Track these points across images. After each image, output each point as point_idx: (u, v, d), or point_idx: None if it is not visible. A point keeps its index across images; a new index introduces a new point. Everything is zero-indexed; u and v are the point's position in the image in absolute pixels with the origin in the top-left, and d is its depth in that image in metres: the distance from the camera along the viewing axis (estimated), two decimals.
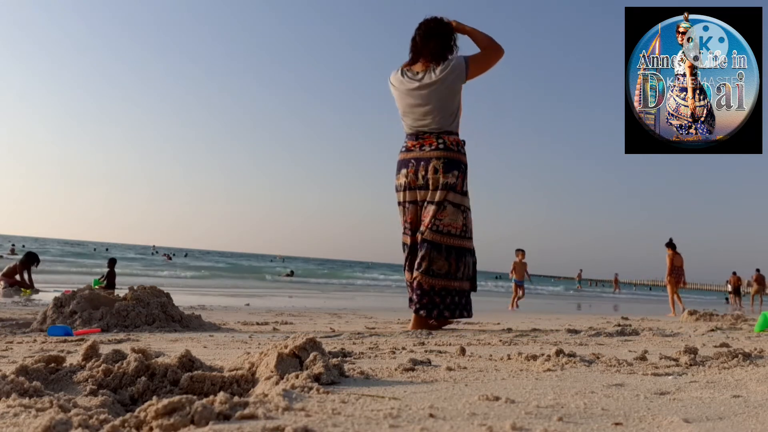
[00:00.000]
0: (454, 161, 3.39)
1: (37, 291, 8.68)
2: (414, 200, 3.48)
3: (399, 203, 3.57)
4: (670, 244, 10.82)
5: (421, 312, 3.37)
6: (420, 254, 3.41)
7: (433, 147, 3.40)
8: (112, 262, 10.02)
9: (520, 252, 11.75)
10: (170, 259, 36.18)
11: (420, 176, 3.40)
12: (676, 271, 10.71)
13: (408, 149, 3.48)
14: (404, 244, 3.57)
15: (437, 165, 3.36)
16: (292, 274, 26.17)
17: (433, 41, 3.48)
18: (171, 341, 2.53)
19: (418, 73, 3.46)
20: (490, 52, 3.50)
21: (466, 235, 3.45)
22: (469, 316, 3.50)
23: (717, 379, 1.39)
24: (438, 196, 3.38)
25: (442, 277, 3.36)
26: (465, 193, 3.47)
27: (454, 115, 3.47)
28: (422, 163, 3.40)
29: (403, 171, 3.48)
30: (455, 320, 3.60)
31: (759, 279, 19.99)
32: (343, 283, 21.26)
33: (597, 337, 2.77)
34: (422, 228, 3.43)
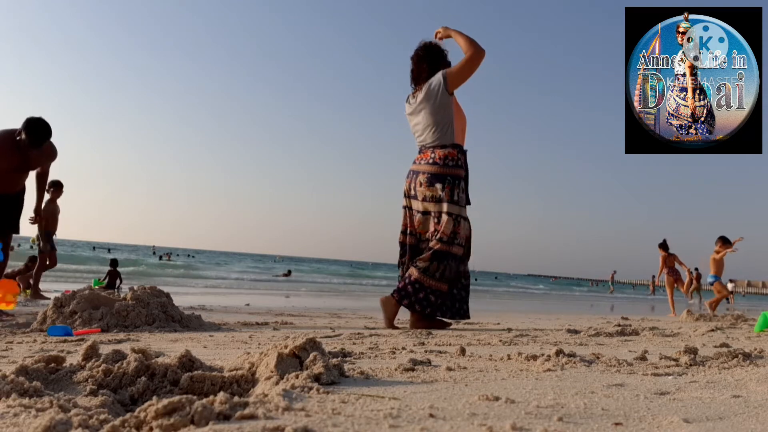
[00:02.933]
0: (437, 175, 3.64)
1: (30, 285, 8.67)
2: (408, 206, 3.82)
3: (402, 206, 3.91)
4: (663, 246, 10.77)
5: (394, 295, 3.60)
6: (422, 256, 3.67)
7: (425, 161, 3.72)
8: (113, 263, 10.09)
9: (726, 243, 9.24)
10: (162, 258, 36.02)
11: (412, 187, 3.76)
12: (673, 272, 10.69)
13: (414, 162, 3.84)
14: (400, 242, 3.87)
15: (422, 179, 3.68)
16: (289, 273, 26.23)
17: (422, 66, 3.82)
18: (171, 341, 2.53)
19: (414, 96, 3.84)
20: (469, 58, 3.65)
21: (454, 242, 3.61)
22: (443, 316, 3.60)
23: (717, 379, 1.39)
24: (422, 206, 3.70)
25: (422, 271, 3.57)
26: (457, 202, 3.63)
27: (446, 127, 3.69)
28: (415, 175, 3.75)
29: (406, 180, 3.84)
30: (439, 322, 3.70)
31: (697, 277, 23.03)
32: (342, 283, 21.25)
33: (597, 337, 2.77)
34: (426, 236, 3.73)
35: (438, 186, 3.60)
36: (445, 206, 3.59)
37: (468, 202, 3.73)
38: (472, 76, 3.67)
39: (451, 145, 3.66)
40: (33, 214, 5.11)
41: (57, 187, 7.34)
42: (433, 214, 3.64)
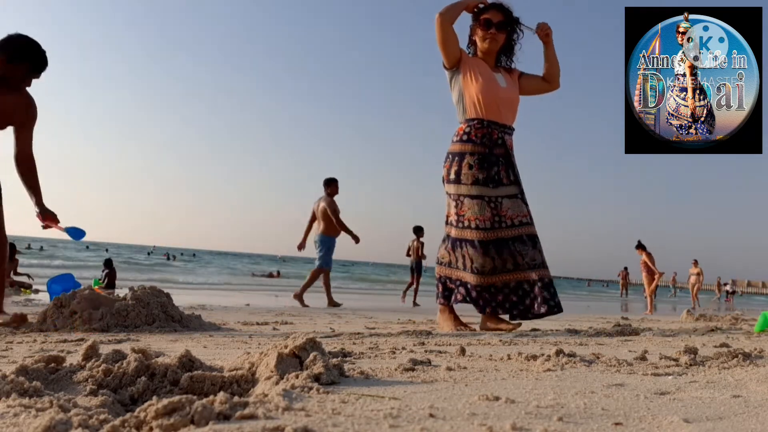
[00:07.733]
0: (447, 154, 3.53)
1: (30, 285, 8.73)
2: None
3: None
4: (640, 246, 10.85)
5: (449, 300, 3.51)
6: None
7: None
8: (108, 263, 10.13)
9: None
10: (170, 260, 36.26)
11: None
12: (650, 271, 10.83)
13: None
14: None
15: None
16: (278, 274, 26.59)
17: None
18: (171, 341, 2.53)
19: None
20: None
21: (456, 224, 3.43)
22: (477, 309, 3.34)
23: (717, 379, 1.39)
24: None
25: (445, 265, 3.51)
26: (453, 181, 3.44)
27: (458, 105, 3.57)
28: None
29: None
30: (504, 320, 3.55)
31: (624, 275, 24.90)
32: (341, 283, 21.22)
33: (597, 337, 2.77)
34: None
35: (445, 163, 3.50)
36: (447, 186, 3.48)
37: (490, 178, 3.37)
38: (439, 39, 3.48)
39: (464, 120, 3.53)
40: (37, 210, 3.56)
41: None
42: (448, 194, 3.50)
